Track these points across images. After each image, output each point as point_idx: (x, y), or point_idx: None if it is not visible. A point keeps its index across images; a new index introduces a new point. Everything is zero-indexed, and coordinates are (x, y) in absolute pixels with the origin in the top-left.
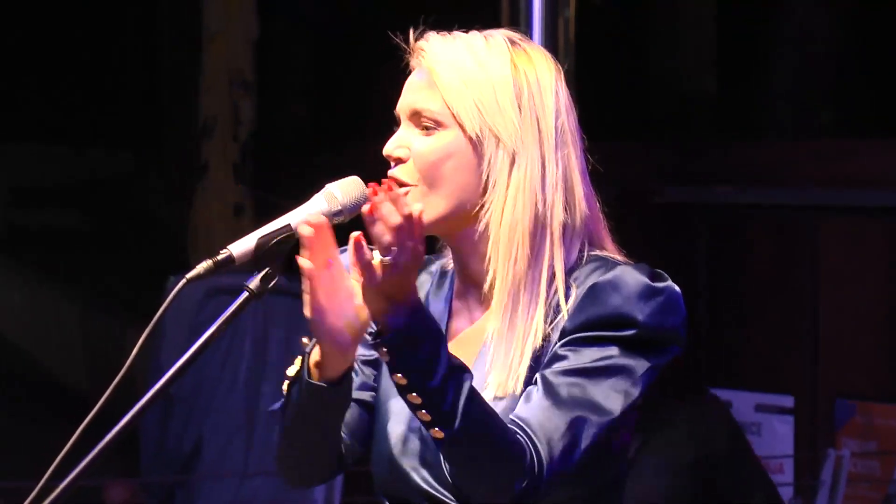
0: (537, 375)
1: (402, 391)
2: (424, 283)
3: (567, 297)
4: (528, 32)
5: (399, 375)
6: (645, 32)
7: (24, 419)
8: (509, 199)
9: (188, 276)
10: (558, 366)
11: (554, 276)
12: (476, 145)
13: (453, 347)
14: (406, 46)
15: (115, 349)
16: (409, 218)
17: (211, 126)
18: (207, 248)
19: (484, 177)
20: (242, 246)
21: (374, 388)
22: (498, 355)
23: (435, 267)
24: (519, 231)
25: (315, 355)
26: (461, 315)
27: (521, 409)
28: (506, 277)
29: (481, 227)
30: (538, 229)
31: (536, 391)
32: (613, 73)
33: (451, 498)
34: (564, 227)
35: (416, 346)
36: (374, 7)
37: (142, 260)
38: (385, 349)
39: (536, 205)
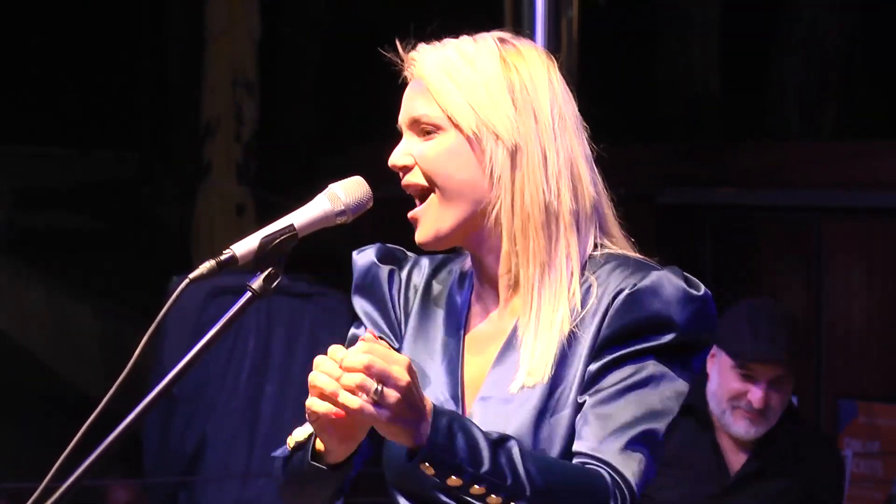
0: (588, 401)
1: (462, 490)
2: (446, 281)
3: (587, 291)
4: (531, 33)
5: (452, 478)
6: (650, 34)
7: (28, 418)
8: (517, 193)
9: (191, 276)
10: (606, 389)
11: (570, 262)
12: (475, 143)
13: (473, 346)
14: (399, 59)
15: (118, 349)
16: (369, 352)
17: (214, 126)
18: (210, 249)
19: (487, 172)
20: (245, 246)
21: None
22: (526, 346)
23: (456, 266)
24: (532, 223)
25: (319, 443)
26: (480, 315)
27: (586, 443)
28: (527, 270)
29: (491, 223)
30: (550, 219)
31: (593, 420)
32: (618, 75)
33: None
34: (576, 214)
35: (450, 447)
36: (378, 9)
37: (145, 260)
38: (427, 464)
39: (543, 194)
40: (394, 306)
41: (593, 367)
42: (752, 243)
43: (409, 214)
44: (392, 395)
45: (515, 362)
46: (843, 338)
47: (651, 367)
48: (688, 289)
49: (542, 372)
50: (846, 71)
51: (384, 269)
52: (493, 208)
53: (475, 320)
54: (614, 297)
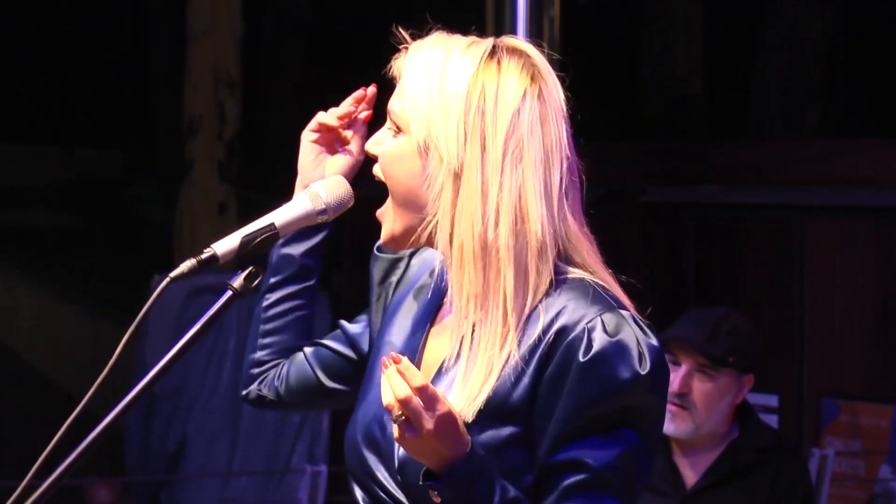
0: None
1: None
2: (428, 266)
3: (535, 321)
4: (512, 32)
5: None
6: (633, 34)
7: (10, 416)
8: (456, 218)
9: (172, 274)
10: (569, 482)
11: (507, 300)
12: (422, 156)
13: (434, 339)
14: (404, 44)
15: (100, 347)
16: (421, 390)
17: (196, 125)
18: (192, 247)
19: (424, 187)
20: (226, 245)
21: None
22: (457, 380)
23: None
24: (467, 251)
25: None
26: (446, 309)
27: None
28: (460, 299)
29: (423, 238)
30: (487, 252)
31: None
32: (601, 74)
33: (398, 490)
34: (516, 250)
35: (468, 489)
36: (361, 6)
37: (127, 258)
38: (436, 492)
39: (476, 225)
40: (378, 297)
41: (555, 444)
42: (735, 242)
43: (377, 214)
44: (422, 431)
45: (451, 381)
46: (826, 336)
47: (618, 453)
48: (641, 344)
49: (466, 412)
50: (829, 70)
51: (380, 260)
52: (429, 224)
53: (444, 315)
54: (558, 333)
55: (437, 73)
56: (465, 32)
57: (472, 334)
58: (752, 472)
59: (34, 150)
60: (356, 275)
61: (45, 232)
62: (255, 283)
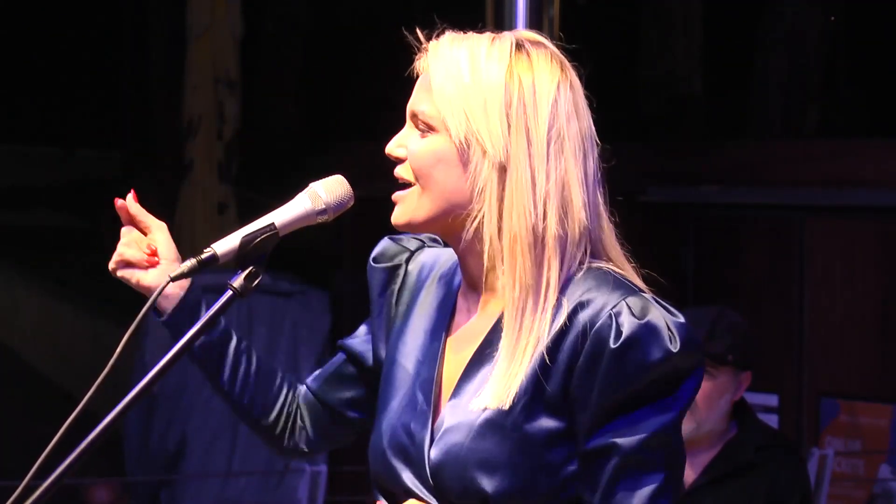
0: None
1: None
2: (445, 275)
3: (559, 309)
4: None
5: None
6: (633, 34)
7: (10, 416)
8: (505, 212)
9: (172, 274)
10: (609, 470)
11: (550, 288)
12: (462, 152)
13: (454, 344)
14: (419, 46)
15: (100, 347)
16: None
17: (196, 125)
18: (191, 247)
19: (469, 184)
20: (226, 244)
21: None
22: (500, 368)
23: (454, 258)
24: (519, 244)
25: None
26: (463, 313)
27: None
28: (513, 292)
29: (470, 233)
30: (537, 242)
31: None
32: (601, 74)
33: (429, 495)
34: (561, 239)
35: None
36: (361, 7)
37: None
38: None
39: (530, 217)
40: (381, 309)
41: (595, 430)
42: (735, 241)
43: (393, 196)
44: None
45: (485, 376)
46: (825, 336)
47: (651, 431)
48: (669, 324)
49: (504, 398)
50: (828, 70)
51: (377, 271)
52: (473, 219)
53: (459, 318)
54: (584, 323)
55: (468, 70)
56: (470, 31)
57: (521, 322)
58: (750, 471)
59: (34, 150)
60: (356, 275)
61: (45, 232)
62: (255, 282)
